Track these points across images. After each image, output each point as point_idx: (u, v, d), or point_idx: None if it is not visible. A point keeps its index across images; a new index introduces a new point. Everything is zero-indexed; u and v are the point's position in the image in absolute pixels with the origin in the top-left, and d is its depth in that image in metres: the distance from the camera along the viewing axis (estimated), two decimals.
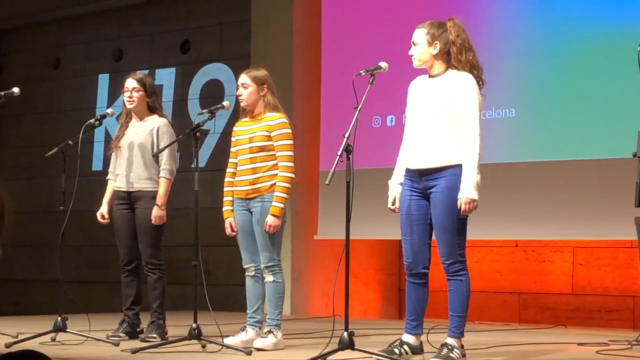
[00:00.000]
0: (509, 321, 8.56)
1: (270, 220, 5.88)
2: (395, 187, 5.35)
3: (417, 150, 5.21)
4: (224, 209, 6.13)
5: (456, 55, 5.17)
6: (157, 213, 6.37)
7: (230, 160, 6.17)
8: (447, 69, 5.22)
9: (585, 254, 8.43)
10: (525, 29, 8.10)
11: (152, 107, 6.58)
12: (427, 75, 5.31)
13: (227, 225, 6.09)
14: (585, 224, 7.71)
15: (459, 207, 5.04)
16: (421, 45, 5.22)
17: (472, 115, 5.10)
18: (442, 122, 5.13)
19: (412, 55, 5.26)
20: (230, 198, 6.11)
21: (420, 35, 5.24)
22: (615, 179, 7.55)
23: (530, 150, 8.02)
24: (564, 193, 7.81)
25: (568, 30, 7.87)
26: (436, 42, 5.19)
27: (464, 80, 5.14)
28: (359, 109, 5.16)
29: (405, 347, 5.25)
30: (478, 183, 5.04)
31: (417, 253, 5.21)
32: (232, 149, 6.17)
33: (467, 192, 5.03)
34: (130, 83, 6.54)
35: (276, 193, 5.91)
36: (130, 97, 6.51)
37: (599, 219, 7.62)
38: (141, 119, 6.56)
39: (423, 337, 5.38)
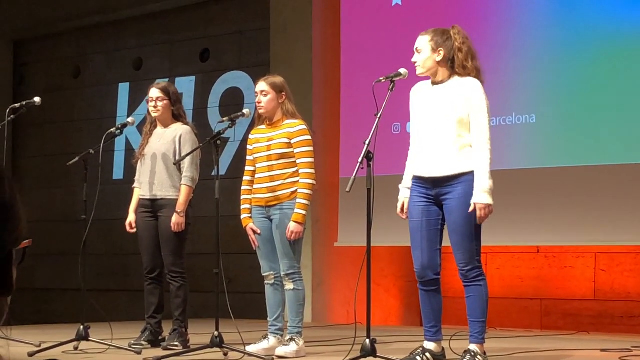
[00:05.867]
0: (531, 327, 8.52)
1: (292, 226, 5.87)
2: (405, 191, 5.35)
3: (428, 159, 5.19)
4: (242, 216, 6.12)
5: (462, 61, 5.17)
6: (176, 220, 6.38)
7: (247, 168, 6.16)
8: (450, 75, 5.22)
9: (607, 260, 8.39)
10: (546, 34, 8.07)
11: (177, 114, 6.62)
12: (430, 82, 5.30)
13: (249, 232, 6.07)
14: (607, 229, 7.67)
15: (476, 213, 5.03)
16: (425, 52, 5.21)
17: (481, 119, 5.09)
18: (451, 128, 5.12)
19: (415, 63, 5.25)
20: (248, 206, 6.10)
21: (424, 42, 5.23)
22: (638, 185, 7.51)
23: (551, 156, 7.98)
24: (585, 198, 7.77)
25: (589, 35, 7.84)
26: (440, 48, 5.19)
27: (470, 85, 5.13)
28: (379, 116, 5.16)
29: (428, 354, 5.24)
30: (491, 188, 5.04)
31: (428, 260, 5.20)
32: (248, 157, 6.16)
33: (481, 197, 5.02)
34: (155, 92, 6.56)
35: (298, 200, 5.89)
36: (155, 107, 6.54)
37: (621, 224, 7.58)
38: (166, 126, 6.58)
39: (445, 345, 5.37)
